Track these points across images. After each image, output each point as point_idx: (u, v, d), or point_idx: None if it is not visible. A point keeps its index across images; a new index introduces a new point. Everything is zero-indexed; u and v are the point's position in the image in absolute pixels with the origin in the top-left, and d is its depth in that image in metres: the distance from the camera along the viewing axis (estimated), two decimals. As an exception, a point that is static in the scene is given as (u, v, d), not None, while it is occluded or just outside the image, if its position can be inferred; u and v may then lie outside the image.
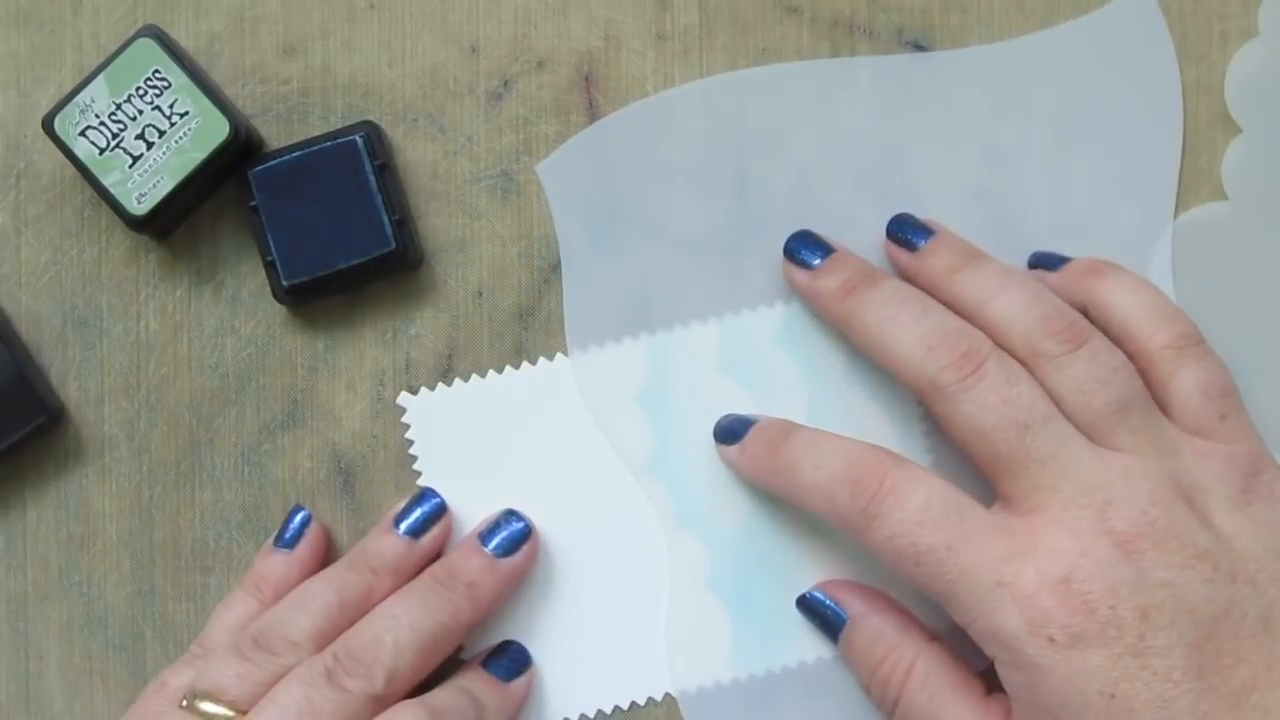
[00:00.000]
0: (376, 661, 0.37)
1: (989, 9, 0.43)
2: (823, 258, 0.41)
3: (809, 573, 0.42)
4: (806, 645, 0.42)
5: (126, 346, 0.43)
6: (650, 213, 0.43)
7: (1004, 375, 0.37)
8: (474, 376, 0.43)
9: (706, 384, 0.42)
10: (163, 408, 0.43)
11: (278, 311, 0.43)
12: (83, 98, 0.41)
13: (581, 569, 0.42)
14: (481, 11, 0.43)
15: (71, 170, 0.42)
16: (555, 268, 0.43)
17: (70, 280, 0.43)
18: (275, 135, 0.43)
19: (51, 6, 0.44)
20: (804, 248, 0.41)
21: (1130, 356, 0.39)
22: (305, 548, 0.42)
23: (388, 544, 0.41)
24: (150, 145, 0.41)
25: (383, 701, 0.37)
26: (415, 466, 0.43)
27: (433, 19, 0.43)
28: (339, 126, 0.43)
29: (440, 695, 0.39)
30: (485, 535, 0.41)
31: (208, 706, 0.38)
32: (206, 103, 0.41)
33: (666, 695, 0.42)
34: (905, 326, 0.38)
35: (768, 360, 0.42)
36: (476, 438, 0.43)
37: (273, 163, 0.42)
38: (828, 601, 0.41)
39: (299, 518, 0.42)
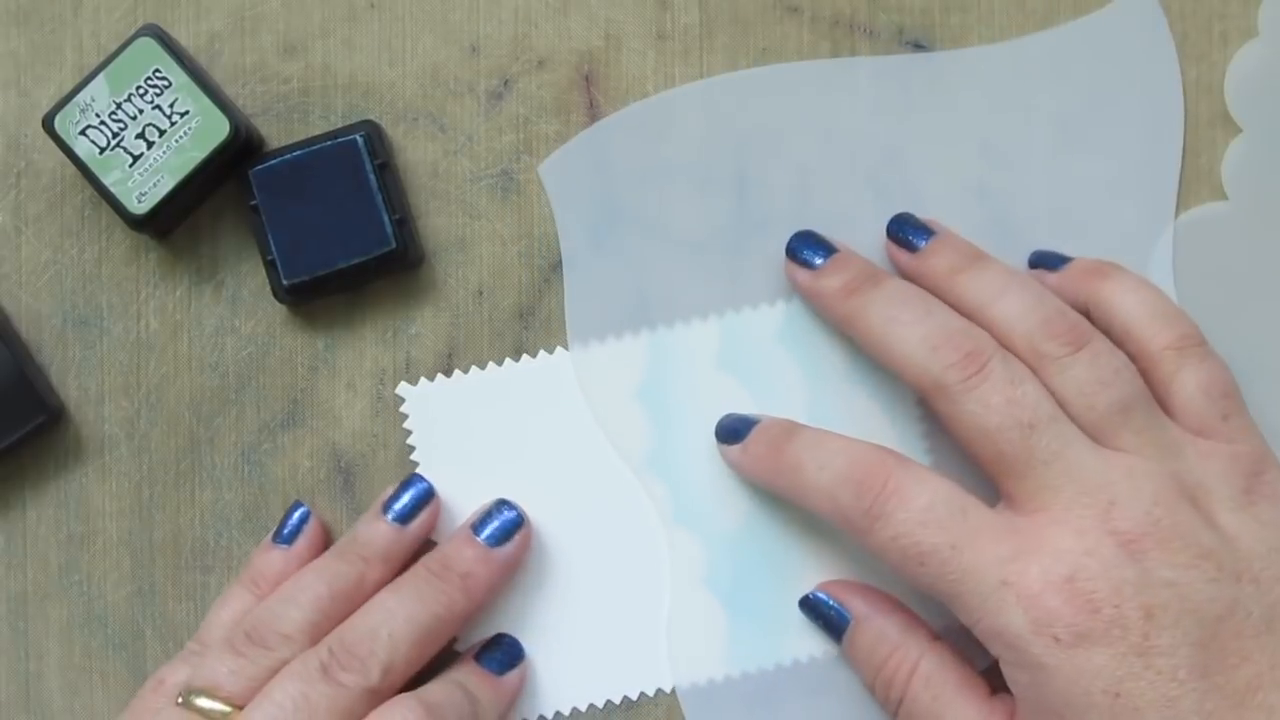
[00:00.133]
0: (372, 655, 0.37)
1: (989, 9, 0.43)
2: (825, 257, 0.41)
3: (806, 571, 0.42)
4: (803, 643, 0.42)
5: (126, 346, 0.43)
6: (651, 212, 0.43)
7: (1008, 375, 0.37)
8: (474, 369, 0.43)
9: (706, 381, 0.42)
10: (163, 407, 0.43)
11: (278, 311, 0.43)
12: (83, 97, 0.41)
13: (578, 562, 0.42)
14: (482, 11, 0.43)
15: (72, 169, 0.42)
16: (555, 267, 0.43)
17: (70, 279, 0.43)
18: (275, 134, 0.43)
19: (52, 6, 0.44)
20: (806, 247, 0.41)
21: (1132, 357, 0.39)
22: (303, 544, 0.42)
23: (377, 531, 0.41)
24: (150, 144, 0.41)
25: (378, 695, 0.37)
26: (413, 457, 0.43)
27: (433, 18, 0.43)
28: (339, 126, 0.43)
29: (434, 689, 0.39)
30: (478, 525, 0.41)
31: (203, 703, 0.38)
32: (207, 102, 0.41)
33: (660, 690, 0.42)
34: (908, 326, 0.38)
35: (768, 358, 0.42)
36: (475, 428, 0.43)
37: (273, 162, 0.42)
38: (831, 602, 0.41)
39: (297, 514, 0.42)
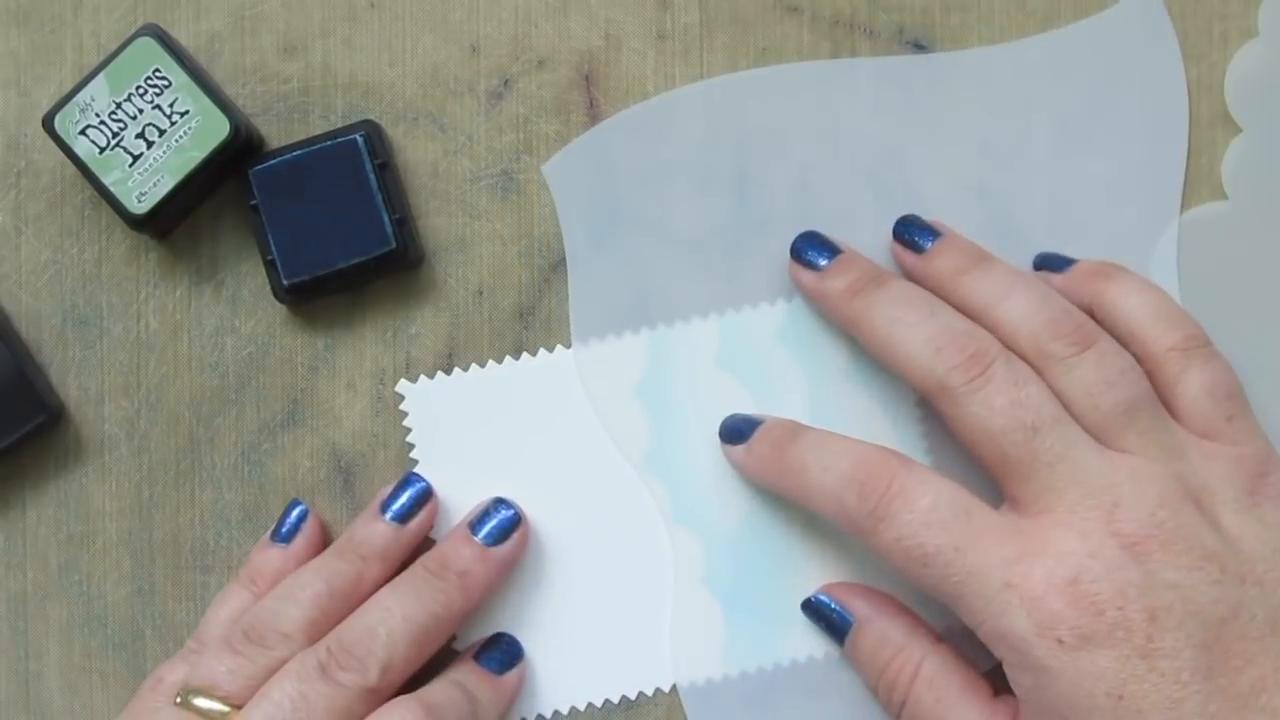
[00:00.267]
0: (370, 654, 0.37)
1: (989, 9, 0.43)
2: (829, 258, 0.41)
3: (807, 570, 0.42)
4: (802, 643, 0.42)
5: (126, 345, 0.43)
6: (652, 211, 0.43)
7: (1012, 377, 0.37)
8: (474, 367, 0.43)
9: (706, 380, 0.42)
10: (163, 407, 0.43)
11: (278, 311, 0.43)
12: (83, 97, 0.41)
13: (578, 561, 0.42)
14: (482, 11, 0.43)
15: (72, 169, 0.42)
16: (555, 267, 0.43)
17: (70, 279, 0.43)
18: (275, 134, 0.43)
19: (52, 5, 0.44)
20: (810, 248, 0.41)
21: (1136, 359, 0.39)
22: (302, 542, 0.42)
23: (375, 530, 0.41)
24: (150, 144, 0.41)
25: (377, 694, 0.37)
26: (413, 455, 0.43)
27: (433, 18, 0.43)
28: (339, 125, 0.43)
29: (434, 690, 0.39)
30: (475, 524, 0.41)
31: (201, 702, 0.38)
32: (207, 102, 0.41)
33: (660, 690, 0.42)
34: (912, 327, 0.38)
35: (767, 357, 0.42)
36: (475, 427, 0.43)
37: (273, 162, 0.42)
38: (833, 605, 0.41)
39: (296, 512, 0.42)
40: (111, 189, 0.41)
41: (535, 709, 0.42)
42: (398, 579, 0.40)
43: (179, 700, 0.38)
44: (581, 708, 0.42)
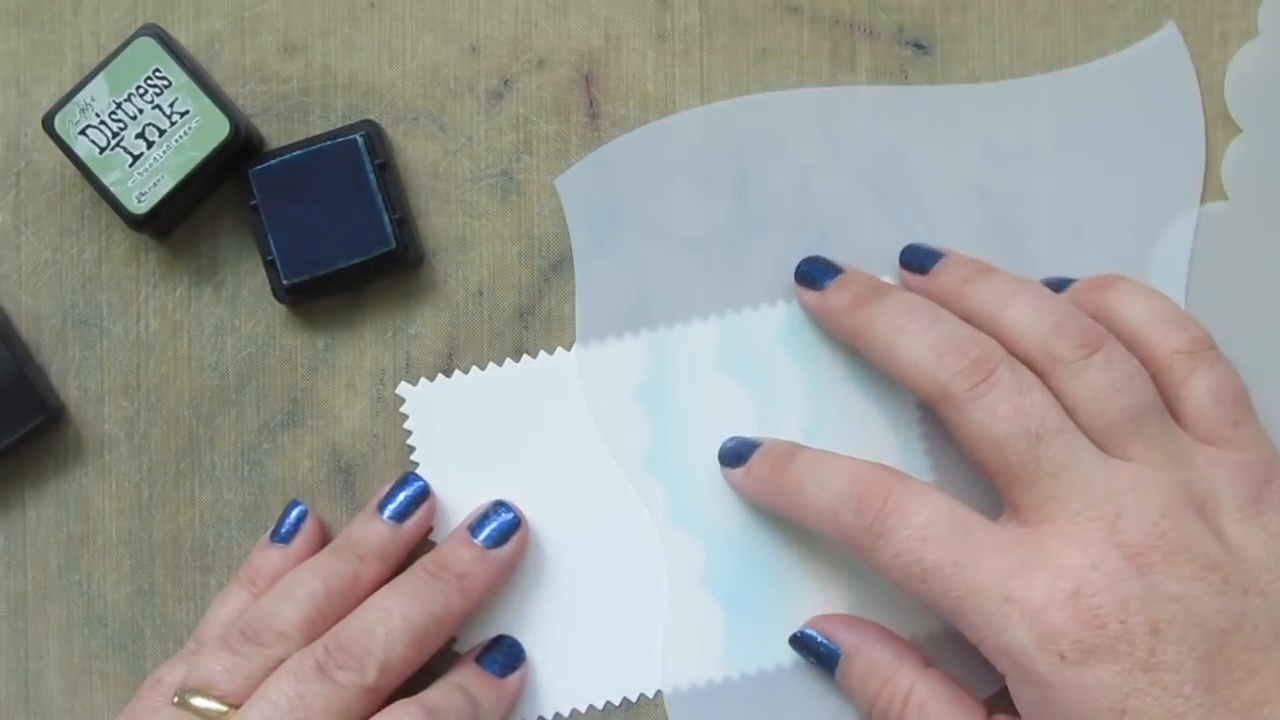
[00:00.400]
0: (368, 654, 0.37)
1: (989, 9, 0.43)
2: (833, 278, 0.41)
3: (805, 572, 0.42)
4: (806, 644, 0.42)
5: (126, 345, 0.43)
6: (652, 211, 0.43)
7: (1017, 384, 0.37)
8: (474, 369, 0.43)
9: (706, 381, 0.42)
10: (163, 407, 0.43)
11: (278, 311, 0.43)
12: (83, 97, 0.41)
13: (578, 564, 0.42)
14: (482, 11, 0.43)
15: (71, 169, 0.42)
16: (555, 267, 0.43)
17: (70, 279, 0.43)
18: (275, 134, 0.43)
19: (52, 5, 0.44)
20: (814, 270, 0.41)
21: (1141, 363, 0.38)
22: (301, 542, 0.42)
23: (372, 529, 0.41)
24: (150, 144, 0.41)
25: (376, 694, 0.37)
26: (413, 457, 0.43)
27: (433, 18, 0.43)
28: (339, 125, 0.43)
29: (435, 693, 0.39)
30: (475, 527, 0.41)
31: (199, 701, 0.38)
32: (207, 102, 0.41)
33: (660, 692, 0.42)
34: (915, 335, 0.38)
35: (768, 359, 0.42)
36: (475, 429, 0.43)
37: (273, 162, 0.42)
38: (820, 638, 0.41)
39: (295, 512, 0.42)
40: (111, 189, 0.41)
41: (536, 711, 0.42)
42: (397, 580, 0.40)
43: (176, 700, 0.38)
44: (582, 710, 0.42)
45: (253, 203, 0.42)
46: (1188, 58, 0.43)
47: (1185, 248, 0.42)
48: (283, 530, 0.42)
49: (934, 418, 0.41)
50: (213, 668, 0.38)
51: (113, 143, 0.41)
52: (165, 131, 0.41)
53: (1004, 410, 0.36)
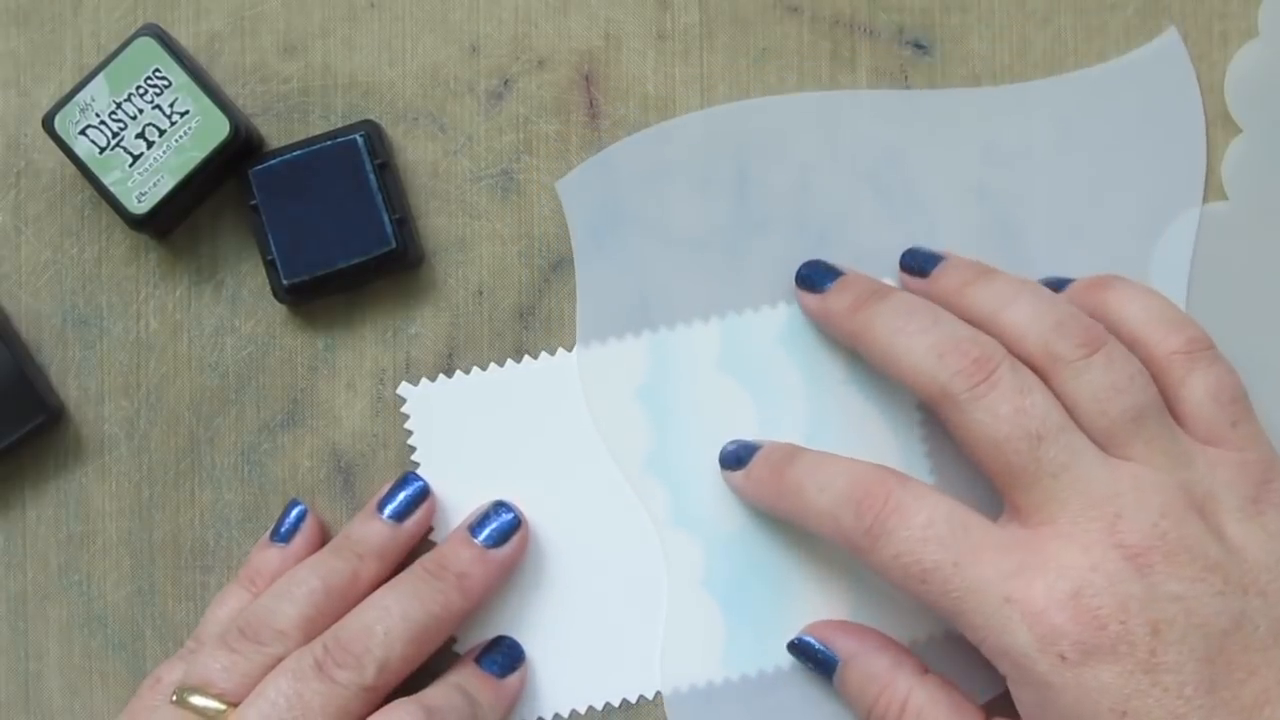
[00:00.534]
0: (367, 652, 0.37)
1: (989, 9, 0.43)
2: (833, 282, 0.41)
3: (805, 574, 0.42)
4: (806, 645, 0.42)
5: (126, 345, 0.43)
6: (652, 212, 0.43)
7: (1018, 384, 0.37)
8: (475, 369, 0.43)
9: (707, 383, 0.42)
10: (163, 407, 0.43)
11: (278, 311, 0.43)
12: (83, 97, 0.41)
13: (579, 565, 0.42)
14: (482, 11, 0.43)
15: (71, 169, 0.42)
16: (555, 267, 0.43)
17: (70, 279, 0.43)
18: (275, 134, 0.43)
19: (52, 5, 0.44)
20: (815, 274, 0.41)
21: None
22: (301, 542, 0.42)
23: (372, 529, 0.41)
24: (150, 144, 0.41)
25: (374, 693, 0.37)
26: (414, 457, 0.43)
27: (433, 18, 0.43)
28: (339, 125, 0.43)
29: (434, 693, 0.39)
30: (475, 527, 0.41)
31: (197, 700, 0.38)
32: (207, 102, 0.41)
33: (659, 693, 0.42)
34: (914, 336, 0.38)
35: (769, 360, 0.42)
36: (476, 429, 0.43)
37: (273, 162, 0.42)
38: (817, 645, 0.41)
39: (295, 512, 0.42)
40: (111, 189, 0.41)
41: (535, 712, 0.42)
42: (396, 579, 0.40)
43: (175, 699, 0.38)
44: (581, 711, 0.42)
45: (253, 203, 0.42)
46: (1188, 61, 0.43)
47: (1186, 248, 0.42)
48: (282, 530, 0.42)
49: (935, 419, 0.41)
50: (211, 666, 0.38)
51: (113, 143, 0.41)
52: (165, 131, 0.41)
53: (1005, 411, 0.36)
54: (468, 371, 0.43)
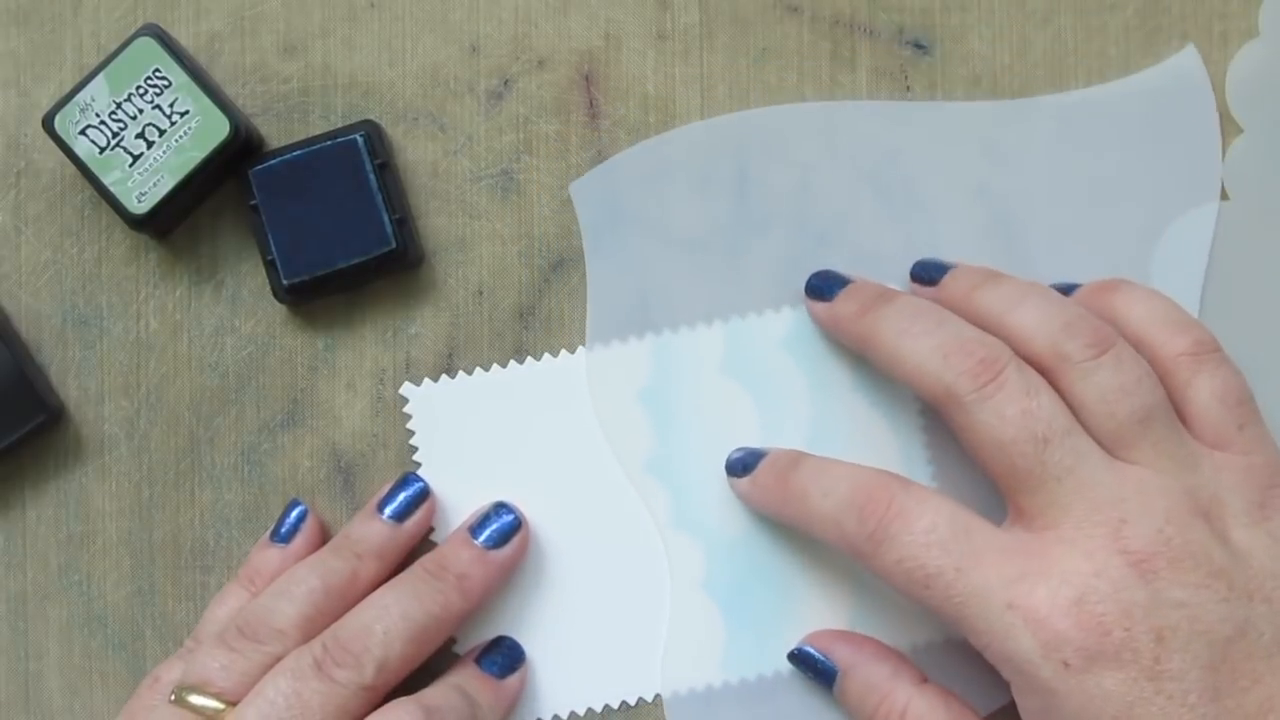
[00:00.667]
0: (366, 651, 0.37)
1: (989, 8, 0.43)
2: (840, 289, 0.41)
3: (806, 578, 0.42)
4: (806, 646, 0.42)
5: (126, 345, 0.43)
6: (657, 215, 0.43)
7: (1024, 385, 0.36)
8: (478, 370, 0.43)
9: (710, 386, 0.42)
10: (163, 407, 0.43)
11: (278, 311, 0.43)
12: (83, 97, 0.41)
13: (579, 566, 0.42)
14: (482, 11, 0.43)
15: (71, 169, 0.42)
16: (555, 267, 0.43)
17: (70, 279, 0.43)
18: (275, 134, 0.43)
19: (52, 5, 0.44)
20: (823, 284, 0.41)
21: None
22: (301, 542, 0.42)
23: (372, 529, 0.41)
24: (150, 144, 0.41)
25: (373, 692, 0.37)
26: (415, 457, 0.43)
27: (433, 18, 0.43)
28: (339, 125, 0.43)
29: (434, 693, 0.39)
30: (475, 528, 0.41)
31: (195, 699, 0.38)
32: (207, 102, 0.41)
33: (659, 695, 0.42)
34: (920, 337, 0.38)
35: (771, 364, 0.42)
36: (478, 430, 0.43)
37: (273, 162, 0.42)
38: (817, 655, 0.41)
39: (295, 512, 0.42)
40: (111, 189, 0.41)
41: (535, 713, 0.42)
42: (396, 579, 0.40)
43: (174, 698, 0.38)
44: (581, 712, 0.42)
45: (253, 203, 0.42)
46: (1206, 78, 0.42)
47: (1193, 250, 0.42)
48: (283, 530, 0.42)
49: (938, 422, 0.41)
50: (210, 665, 0.38)
51: (113, 143, 0.41)
52: (165, 131, 0.41)
53: (1011, 413, 0.36)
54: (469, 372, 0.43)
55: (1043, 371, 0.37)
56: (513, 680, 0.41)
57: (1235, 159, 0.43)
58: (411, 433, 0.43)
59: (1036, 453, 0.36)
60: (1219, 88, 0.43)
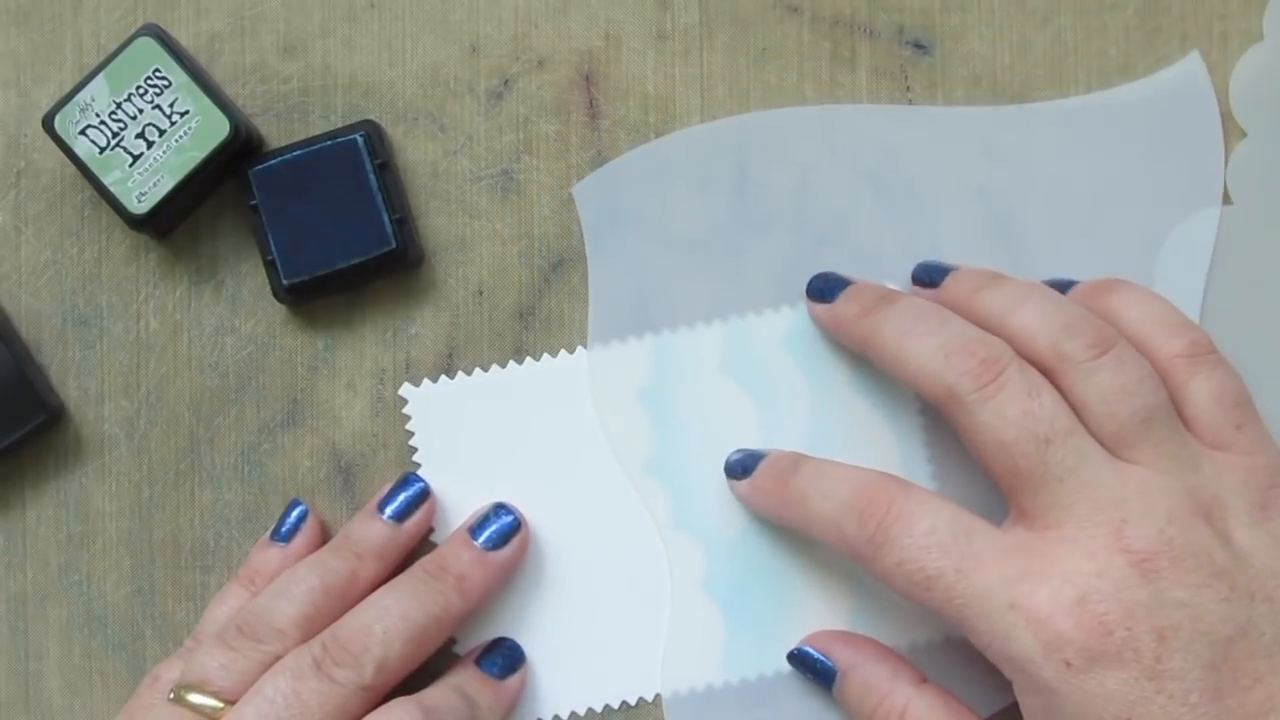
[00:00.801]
0: (366, 651, 0.37)
1: (989, 9, 0.43)
2: (842, 291, 0.41)
3: (806, 578, 0.42)
4: (805, 646, 0.42)
5: (126, 345, 0.43)
6: (657, 215, 0.43)
7: (1026, 386, 0.36)
8: (477, 370, 0.43)
9: (709, 386, 0.42)
10: (163, 407, 0.43)
11: (278, 311, 0.43)
12: (83, 97, 0.41)
13: (579, 566, 0.42)
14: (482, 11, 0.43)
15: (71, 169, 0.42)
16: (555, 267, 0.43)
17: (70, 279, 0.44)
18: (275, 134, 0.43)
19: (52, 5, 0.44)
20: (824, 285, 0.41)
21: None
22: (301, 542, 0.42)
23: (371, 529, 0.41)
24: (150, 144, 0.41)
25: (372, 692, 0.37)
26: (415, 458, 0.43)
27: (433, 18, 0.43)
28: (339, 125, 0.43)
29: (433, 693, 0.39)
30: (475, 529, 0.41)
31: (194, 697, 0.38)
32: (207, 102, 0.41)
33: (659, 695, 0.42)
34: (922, 338, 0.38)
35: (771, 364, 0.42)
36: (477, 430, 0.43)
37: (273, 162, 0.42)
38: (816, 655, 0.41)
39: (296, 512, 0.42)
40: (111, 189, 0.41)
41: (535, 713, 0.42)
42: (396, 580, 0.40)
43: (173, 697, 0.38)
44: (581, 713, 0.42)
45: (253, 203, 0.42)
46: (1209, 85, 0.42)
47: (1195, 253, 0.42)
48: (283, 530, 0.42)
49: (938, 422, 0.41)
50: (209, 664, 0.38)
51: (113, 143, 0.41)
52: (165, 131, 0.41)
53: (1013, 413, 0.36)
54: (469, 372, 0.43)
55: (1045, 372, 0.37)
56: (513, 681, 0.41)
57: (1238, 163, 0.42)
58: (411, 433, 0.43)
59: (1038, 453, 0.36)
60: (1222, 92, 0.43)
